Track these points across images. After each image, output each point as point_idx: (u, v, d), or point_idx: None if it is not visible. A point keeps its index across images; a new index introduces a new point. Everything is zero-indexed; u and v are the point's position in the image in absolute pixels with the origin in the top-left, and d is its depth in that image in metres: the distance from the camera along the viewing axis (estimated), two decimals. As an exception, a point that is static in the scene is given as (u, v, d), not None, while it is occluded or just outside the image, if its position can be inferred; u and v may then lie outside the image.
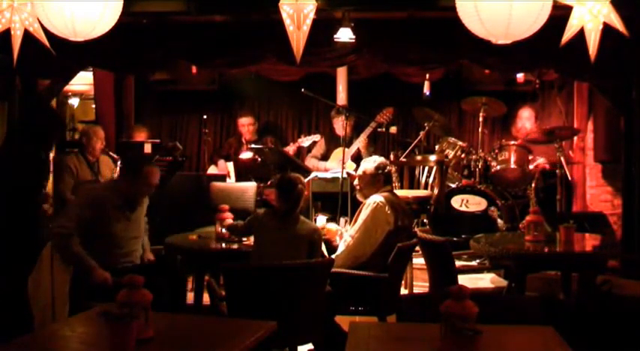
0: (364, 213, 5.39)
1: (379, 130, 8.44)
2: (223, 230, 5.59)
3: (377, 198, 5.38)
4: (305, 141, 9.05)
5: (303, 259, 4.82)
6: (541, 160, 7.94)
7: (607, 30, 4.46)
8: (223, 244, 5.53)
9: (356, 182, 5.78)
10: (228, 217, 5.65)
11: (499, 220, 7.34)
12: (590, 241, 5.63)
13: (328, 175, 8.10)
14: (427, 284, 5.88)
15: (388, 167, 5.62)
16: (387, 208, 5.33)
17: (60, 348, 3.02)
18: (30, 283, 5.78)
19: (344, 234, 5.64)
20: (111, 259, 5.08)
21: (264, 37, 6.63)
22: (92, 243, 5.05)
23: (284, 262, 4.65)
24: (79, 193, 5.14)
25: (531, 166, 7.75)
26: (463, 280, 5.60)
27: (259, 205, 7.62)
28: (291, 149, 8.95)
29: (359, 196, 5.71)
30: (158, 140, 8.96)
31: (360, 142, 8.37)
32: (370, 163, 5.64)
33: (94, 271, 4.88)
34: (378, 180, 5.53)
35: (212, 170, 9.20)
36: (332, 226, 6.16)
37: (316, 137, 9.00)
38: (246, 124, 9.32)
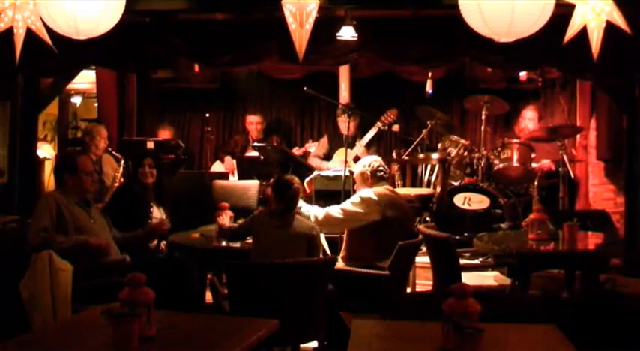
0: (352, 197, 5.64)
1: (381, 128, 8.42)
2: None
3: (366, 191, 5.58)
4: (312, 146, 9.04)
5: (302, 256, 4.83)
6: (545, 162, 7.92)
7: (609, 28, 4.46)
8: (225, 243, 5.52)
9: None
10: (225, 215, 5.61)
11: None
12: (592, 240, 5.62)
13: (330, 173, 8.09)
14: (430, 282, 5.89)
15: (376, 164, 5.68)
16: (374, 198, 5.47)
17: (61, 347, 3.00)
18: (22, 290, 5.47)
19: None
20: None
21: (266, 35, 6.65)
22: None
23: (286, 259, 4.65)
24: None
25: (534, 165, 7.73)
26: (466, 277, 5.61)
27: (261, 203, 7.61)
28: (297, 153, 8.93)
29: None
30: (160, 138, 8.97)
31: (360, 148, 8.32)
32: (359, 164, 5.86)
33: (87, 241, 4.80)
34: (365, 178, 5.70)
35: (217, 166, 9.18)
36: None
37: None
38: (254, 122, 9.32)
